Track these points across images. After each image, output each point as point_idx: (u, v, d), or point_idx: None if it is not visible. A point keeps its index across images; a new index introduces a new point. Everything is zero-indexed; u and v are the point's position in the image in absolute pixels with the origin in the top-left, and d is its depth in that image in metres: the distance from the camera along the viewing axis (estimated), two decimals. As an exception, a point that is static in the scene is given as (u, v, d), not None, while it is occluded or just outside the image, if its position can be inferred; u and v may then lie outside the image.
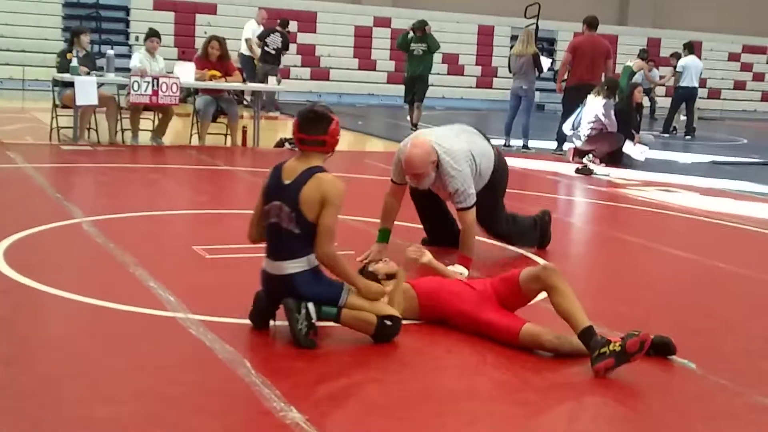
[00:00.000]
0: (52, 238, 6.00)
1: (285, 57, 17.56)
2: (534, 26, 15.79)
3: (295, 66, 22.48)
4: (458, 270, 5.15)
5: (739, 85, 29.43)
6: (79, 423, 3.15)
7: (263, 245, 4.24)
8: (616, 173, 11.12)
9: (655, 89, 20.94)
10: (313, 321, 4.00)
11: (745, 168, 13.20)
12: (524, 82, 13.36)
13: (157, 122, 11.26)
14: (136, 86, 10.56)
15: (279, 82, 14.35)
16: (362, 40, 24.42)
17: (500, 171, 5.88)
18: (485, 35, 26.08)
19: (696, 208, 8.94)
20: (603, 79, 12.53)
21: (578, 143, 11.83)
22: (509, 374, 3.93)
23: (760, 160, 14.32)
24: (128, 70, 11.28)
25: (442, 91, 22.70)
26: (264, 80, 14.27)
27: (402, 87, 15.32)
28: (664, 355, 4.15)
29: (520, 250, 6.24)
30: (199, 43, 12.54)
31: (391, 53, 23.75)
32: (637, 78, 18.27)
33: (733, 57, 29.66)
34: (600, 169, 11.15)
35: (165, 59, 11.67)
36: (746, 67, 29.85)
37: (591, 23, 13.04)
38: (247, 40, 17.19)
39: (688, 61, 17.44)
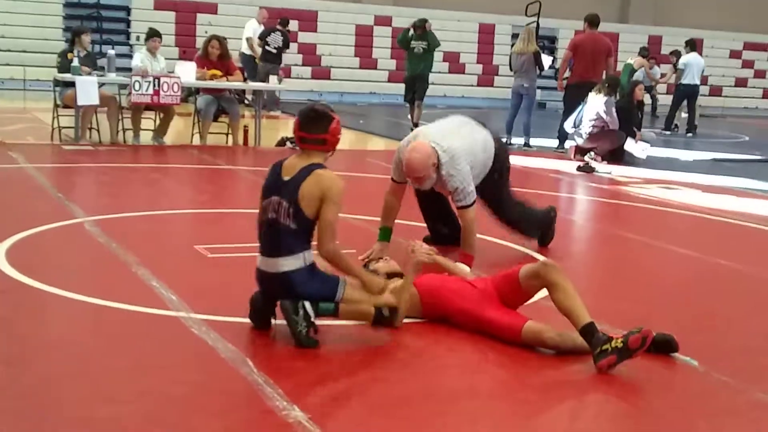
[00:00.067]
0: (53, 238, 6.00)
1: (286, 56, 17.56)
2: (535, 24, 15.81)
3: (296, 65, 22.48)
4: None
5: (741, 82, 29.41)
6: (80, 423, 3.15)
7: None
8: (617, 171, 11.11)
9: (656, 87, 20.93)
10: (312, 319, 4.00)
11: (746, 165, 13.19)
12: (525, 80, 13.35)
13: (158, 122, 11.26)
14: (137, 86, 10.56)
15: (280, 81, 14.36)
16: (363, 38, 24.42)
17: (501, 156, 5.90)
18: (486, 33, 26.07)
19: (697, 205, 8.93)
20: (604, 77, 12.52)
21: (580, 141, 11.83)
22: (511, 372, 3.93)
23: (761, 157, 14.32)
24: (129, 69, 11.29)
25: (443, 90, 22.70)
26: (265, 79, 14.28)
27: (403, 86, 15.30)
28: (666, 352, 4.15)
29: (522, 249, 6.24)
30: (200, 42, 12.54)
31: (392, 52, 23.75)
32: (638, 75, 18.27)
33: (734, 54, 29.64)
34: (601, 167, 11.15)
35: (166, 59, 11.68)
36: (747, 64, 29.83)
37: (592, 21, 13.03)
38: (248, 39, 17.19)
39: (689, 58, 17.42)
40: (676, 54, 19.17)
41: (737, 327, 4.88)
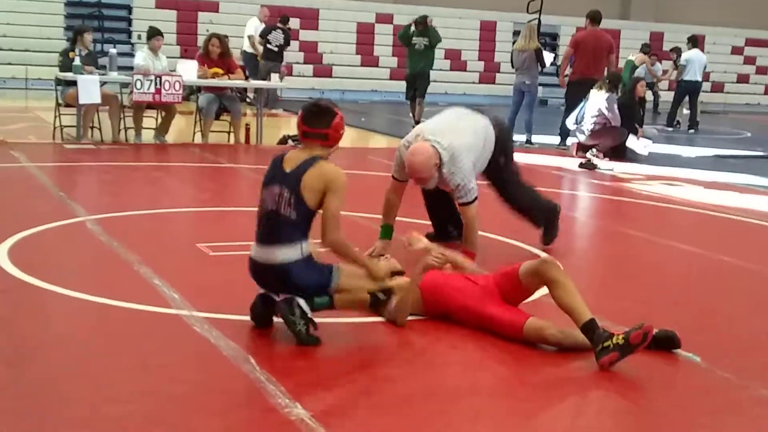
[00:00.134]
0: (55, 237, 6.00)
1: (287, 54, 17.57)
2: (536, 21, 15.77)
3: (298, 63, 22.48)
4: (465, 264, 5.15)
5: (743, 79, 29.37)
6: (81, 423, 3.15)
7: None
8: (619, 167, 11.10)
9: (658, 83, 20.91)
10: (309, 316, 4.00)
11: (748, 161, 13.18)
12: (527, 77, 13.33)
13: (160, 120, 11.27)
14: (138, 84, 10.56)
15: (282, 78, 14.35)
16: (364, 36, 24.41)
17: (503, 138, 5.90)
18: (487, 31, 26.06)
19: (700, 201, 8.92)
20: (606, 73, 12.51)
21: (582, 138, 11.82)
22: (513, 370, 3.94)
23: (763, 153, 14.31)
24: (131, 68, 11.29)
25: (444, 87, 22.69)
26: (267, 77, 14.28)
27: (404, 83, 15.28)
28: (669, 348, 4.15)
29: (525, 246, 6.23)
30: (201, 41, 12.54)
31: (393, 50, 23.75)
32: (640, 72, 18.24)
33: (736, 50, 29.60)
34: (603, 164, 11.15)
35: (167, 57, 11.68)
36: (749, 61, 29.79)
37: (594, 18, 13.01)
38: (249, 38, 17.19)
39: (691, 54, 17.40)
40: (677, 51, 19.15)
41: (740, 323, 4.88)
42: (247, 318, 4.21)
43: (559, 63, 17.68)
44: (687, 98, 17.86)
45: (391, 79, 23.30)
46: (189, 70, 11.07)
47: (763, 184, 10.44)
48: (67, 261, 5.55)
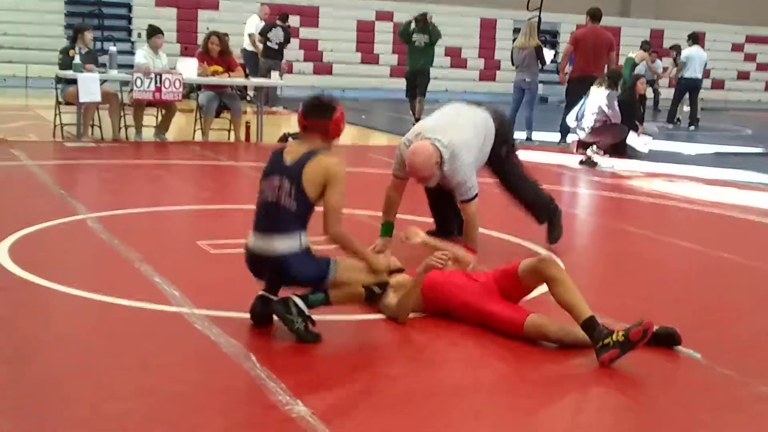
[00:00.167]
0: (56, 235, 6.01)
1: (287, 52, 17.56)
2: (536, 19, 15.75)
3: (298, 61, 22.47)
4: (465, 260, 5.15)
5: (743, 76, 29.36)
6: (82, 422, 3.15)
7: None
8: (620, 164, 11.09)
9: (658, 80, 20.91)
10: (306, 314, 4.00)
11: (749, 158, 13.18)
12: (527, 74, 13.33)
13: (160, 118, 11.27)
14: (138, 82, 10.56)
15: (282, 76, 14.34)
16: (364, 34, 24.41)
17: (504, 130, 5.89)
18: (488, 28, 26.06)
19: (700, 198, 8.92)
20: (606, 71, 12.50)
21: (582, 135, 11.81)
22: (513, 367, 3.94)
23: (764, 150, 14.30)
24: (131, 66, 11.28)
25: (445, 85, 22.67)
26: (267, 75, 14.27)
27: (404, 81, 15.23)
28: (669, 345, 4.15)
29: (526, 243, 6.23)
30: (201, 39, 12.54)
31: (393, 47, 23.75)
32: (640, 69, 18.24)
33: (737, 47, 29.60)
34: (604, 161, 11.14)
35: (167, 55, 11.67)
36: (750, 58, 29.78)
37: (594, 15, 13.00)
38: (250, 36, 17.19)
39: (691, 51, 17.39)
40: (676, 49, 19.14)
41: (740, 320, 4.88)
42: (248, 315, 4.21)
43: (559, 60, 17.67)
44: (687, 95, 17.85)
45: (391, 76, 23.31)
46: (189, 68, 11.07)
47: (764, 181, 10.43)
48: (68, 259, 5.55)
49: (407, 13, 18.19)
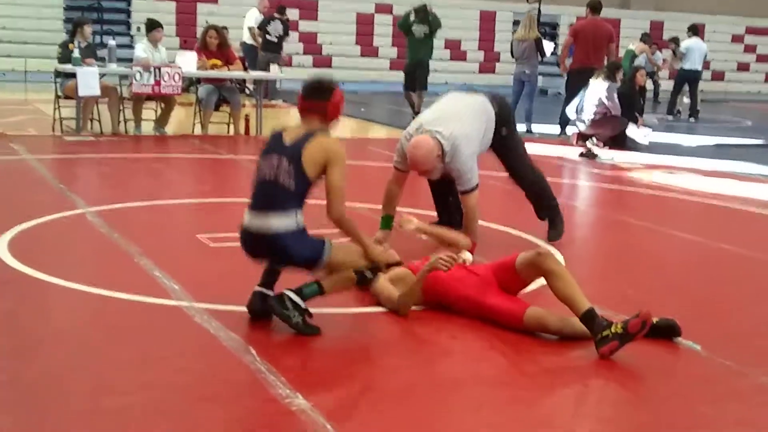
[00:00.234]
0: (56, 229, 6.00)
1: (287, 45, 17.53)
2: (536, 11, 15.76)
3: (297, 54, 22.45)
4: (462, 255, 5.14)
5: (743, 67, 29.33)
6: (84, 415, 3.16)
7: None
8: (620, 157, 11.09)
9: (658, 72, 20.88)
10: (302, 307, 3.99)
11: (749, 150, 13.17)
12: (527, 66, 13.31)
13: (159, 112, 11.26)
14: (138, 76, 10.55)
15: (281, 68, 14.31)
16: (364, 27, 24.38)
17: (503, 112, 5.87)
18: (487, 21, 26.02)
19: (700, 190, 8.92)
20: (606, 63, 12.49)
21: (582, 127, 11.80)
22: (514, 359, 3.94)
23: (764, 141, 14.29)
24: (130, 60, 11.26)
25: (444, 77, 22.64)
26: (266, 68, 14.24)
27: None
28: (669, 337, 4.15)
29: (526, 235, 6.23)
30: (200, 32, 12.50)
31: (393, 40, 23.72)
32: (640, 61, 18.20)
33: (737, 39, 29.56)
34: (604, 153, 11.13)
35: (166, 49, 11.65)
36: (749, 49, 29.75)
37: (594, 7, 12.97)
38: (250, 29, 17.16)
39: (691, 43, 17.37)
40: (675, 41, 19.11)
41: (740, 311, 4.88)
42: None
43: (558, 53, 17.66)
44: (687, 87, 17.83)
45: (390, 69, 23.28)
46: (188, 62, 11.05)
47: (763, 173, 10.43)
48: (68, 253, 5.55)
49: (406, 5, 18.17)
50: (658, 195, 8.68)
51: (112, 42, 11.53)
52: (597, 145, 11.34)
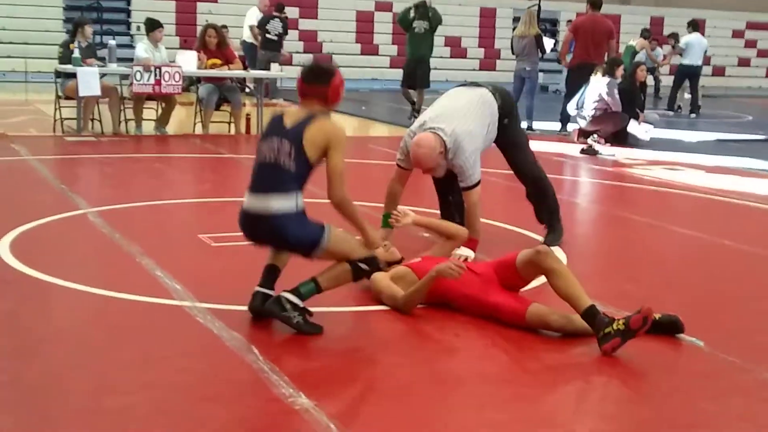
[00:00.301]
0: (57, 230, 6.00)
1: (287, 43, 17.52)
2: (536, 7, 15.73)
3: (298, 52, 22.42)
4: (464, 252, 5.16)
5: (744, 62, 29.31)
6: (86, 414, 3.16)
7: None
8: (621, 153, 11.08)
9: (659, 68, 20.87)
10: (301, 306, 3.99)
11: (750, 145, 13.16)
12: (527, 63, 13.30)
13: (160, 112, 11.26)
14: (138, 76, 10.55)
15: (281, 66, 14.28)
16: (364, 24, 24.36)
17: (505, 103, 5.85)
18: (487, 17, 26.01)
19: (701, 186, 8.91)
20: (606, 59, 12.48)
21: (583, 124, 11.80)
22: (516, 356, 3.94)
23: (765, 136, 14.28)
24: (130, 60, 11.26)
25: (445, 75, 22.60)
26: (267, 67, 14.24)
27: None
28: (672, 333, 4.15)
29: (527, 233, 6.22)
30: (199, 32, 12.49)
31: (393, 37, 23.70)
32: (640, 57, 18.20)
33: (737, 34, 29.54)
34: (605, 149, 11.13)
35: (166, 48, 11.65)
36: (750, 44, 29.74)
37: (594, 3, 12.94)
38: (251, 28, 17.16)
39: (691, 38, 17.36)
40: (674, 37, 19.10)
41: (743, 307, 4.87)
42: (250, 308, 4.21)
43: (559, 49, 17.65)
44: (688, 83, 17.82)
45: (391, 67, 23.25)
46: (188, 61, 11.05)
47: (765, 168, 10.42)
48: (69, 253, 5.55)
49: (406, 3, 18.17)
50: (660, 191, 8.67)
51: (112, 42, 11.53)
52: (598, 142, 11.33)
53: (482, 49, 25.57)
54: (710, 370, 3.85)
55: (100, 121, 11.05)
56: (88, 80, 10.33)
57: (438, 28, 14.20)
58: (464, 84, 6.01)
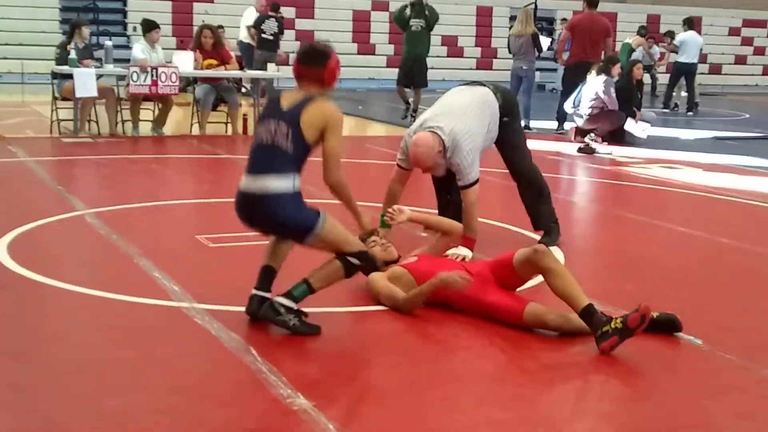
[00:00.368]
0: (55, 231, 6.00)
1: (283, 43, 17.50)
2: (532, 6, 15.72)
3: (294, 52, 22.34)
4: (462, 252, 5.16)
5: (740, 60, 29.32)
6: (87, 416, 3.16)
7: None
8: (618, 151, 11.09)
9: (656, 66, 20.88)
10: (295, 308, 3.98)
11: (747, 143, 13.17)
12: (524, 62, 13.30)
13: (157, 112, 11.25)
14: (135, 77, 10.54)
15: (278, 66, 14.27)
16: (360, 24, 24.35)
17: (506, 102, 5.85)
18: (484, 16, 26.01)
19: (699, 184, 8.92)
20: (603, 57, 12.49)
21: (580, 122, 11.80)
22: (514, 355, 3.94)
23: (762, 134, 14.29)
24: (126, 60, 11.24)
25: (442, 74, 22.59)
26: (263, 67, 14.22)
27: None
28: (670, 332, 4.15)
29: (525, 232, 6.22)
30: (195, 32, 12.48)
31: (389, 37, 23.69)
32: (637, 55, 18.22)
33: (734, 31, 29.55)
34: (602, 148, 11.13)
35: (163, 49, 11.64)
36: (747, 42, 29.74)
37: (591, 1, 12.93)
38: (248, 28, 17.14)
39: (686, 36, 17.37)
40: (670, 35, 19.11)
41: (741, 305, 4.88)
42: (248, 309, 4.21)
43: (555, 48, 17.65)
44: (684, 81, 17.84)
45: (387, 66, 23.23)
46: (185, 62, 11.05)
47: (762, 165, 10.43)
48: (67, 255, 5.55)
49: (402, 2, 18.18)
50: (657, 189, 8.68)
51: (108, 43, 11.52)
52: (595, 141, 11.34)
53: (479, 48, 25.57)
54: (708, 368, 3.85)
55: (97, 122, 11.03)
56: (85, 81, 10.31)
57: (435, 27, 14.16)
58: (467, 83, 6.01)
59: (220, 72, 11.31)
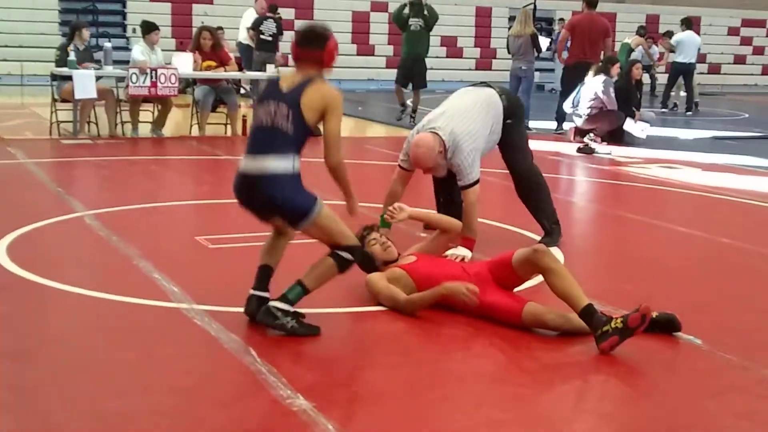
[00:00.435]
0: (54, 233, 6.00)
1: (283, 44, 17.48)
2: (532, 6, 15.72)
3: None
4: (461, 252, 5.15)
5: (739, 60, 29.31)
6: (87, 417, 3.16)
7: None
8: (617, 151, 11.09)
9: (655, 66, 20.88)
10: (292, 311, 3.97)
11: (746, 142, 13.17)
12: (523, 62, 13.30)
13: (156, 114, 11.25)
14: (134, 78, 10.54)
15: (277, 67, 14.26)
16: (360, 25, 24.35)
17: (510, 104, 5.84)
18: (483, 17, 26.01)
19: (698, 183, 8.92)
20: (602, 57, 12.49)
21: (579, 122, 11.80)
22: (513, 355, 3.94)
23: (761, 134, 14.29)
24: (126, 62, 11.24)
25: (441, 75, 22.61)
26: (262, 68, 14.21)
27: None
28: (669, 331, 4.15)
29: (524, 232, 6.22)
30: (194, 34, 12.48)
31: (389, 38, 23.69)
32: (637, 55, 18.21)
33: (733, 31, 29.54)
34: (601, 148, 11.13)
35: (162, 50, 11.63)
36: (746, 41, 29.74)
37: (590, 2, 12.94)
38: (247, 29, 17.13)
39: (683, 36, 17.39)
40: (669, 35, 19.12)
41: (740, 305, 4.88)
42: (247, 310, 4.20)
43: (554, 48, 17.66)
44: (683, 81, 17.84)
45: (387, 67, 23.23)
46: (184, 63, 11.05)
47: (761, 165, 10.43)
48: (66, 256, 5.55)
49: (401, 3, 18.18)
50: (657, 189, 8.68)
51: (108, 44, 11.51)
52: (595, 141, 11.34)
53: (478, 49, 25.57)
54: (708, 368, 3.85)
55: (96, 123, 11.03)
56: (84, 83, 10.32)
57: (434, 27, 14.14)
58: (473, 84, 6.01)
59: (220, 73, 11.32)
